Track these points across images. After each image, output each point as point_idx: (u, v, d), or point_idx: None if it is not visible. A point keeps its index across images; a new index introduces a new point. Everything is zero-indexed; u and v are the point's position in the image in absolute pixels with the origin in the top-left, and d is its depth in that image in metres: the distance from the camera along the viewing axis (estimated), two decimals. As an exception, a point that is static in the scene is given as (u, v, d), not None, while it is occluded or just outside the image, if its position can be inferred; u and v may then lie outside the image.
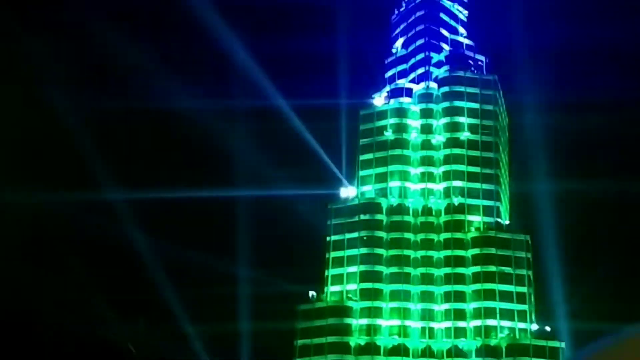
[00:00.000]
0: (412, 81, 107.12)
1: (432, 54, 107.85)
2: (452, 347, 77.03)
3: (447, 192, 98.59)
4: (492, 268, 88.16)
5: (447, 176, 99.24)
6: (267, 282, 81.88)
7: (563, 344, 73.72)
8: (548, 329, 77.46)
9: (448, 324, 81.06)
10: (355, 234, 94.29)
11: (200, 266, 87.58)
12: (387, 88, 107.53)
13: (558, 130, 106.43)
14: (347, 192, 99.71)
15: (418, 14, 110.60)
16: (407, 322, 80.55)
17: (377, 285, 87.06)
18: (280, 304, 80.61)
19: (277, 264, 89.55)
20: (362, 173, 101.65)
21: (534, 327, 78.09)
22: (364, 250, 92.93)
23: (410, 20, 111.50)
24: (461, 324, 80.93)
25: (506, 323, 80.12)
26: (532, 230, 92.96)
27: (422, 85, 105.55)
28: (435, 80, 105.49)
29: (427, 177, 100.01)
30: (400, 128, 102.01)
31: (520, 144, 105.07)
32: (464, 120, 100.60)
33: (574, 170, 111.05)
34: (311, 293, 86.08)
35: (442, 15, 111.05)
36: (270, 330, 78.21)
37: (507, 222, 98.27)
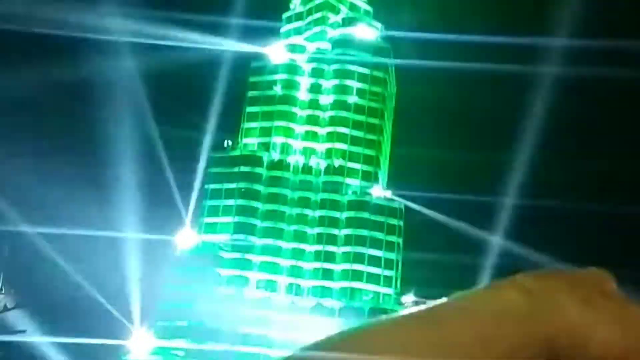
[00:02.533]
0: (307, 39, 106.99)
1: (330, 14, 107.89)
2: (317, 305, 78.08)
3: (329, 154, 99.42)
4: (364, 232, 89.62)
5: (330, 138, 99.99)
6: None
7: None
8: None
9: (315, 282, 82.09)
10: (233, 185, 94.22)
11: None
12: (281, 43, 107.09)
13: (442, 100, 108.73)
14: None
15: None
16: (276, 277, 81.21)
17: (250, 237, 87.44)
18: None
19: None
20: (246, 125, 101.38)
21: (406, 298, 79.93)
22: (240, 202, 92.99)
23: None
24: (328, 283, 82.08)
25: (372, 287, 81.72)
26: (406, 199, 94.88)
27: (316, 44, 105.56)
28: (330, 41, 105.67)
29: (312, 136, 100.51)
30: (290, 85, 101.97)
31: (407, 115, 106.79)
32: (353, 84, 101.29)
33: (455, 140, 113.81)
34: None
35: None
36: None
37: (384, 189, 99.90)
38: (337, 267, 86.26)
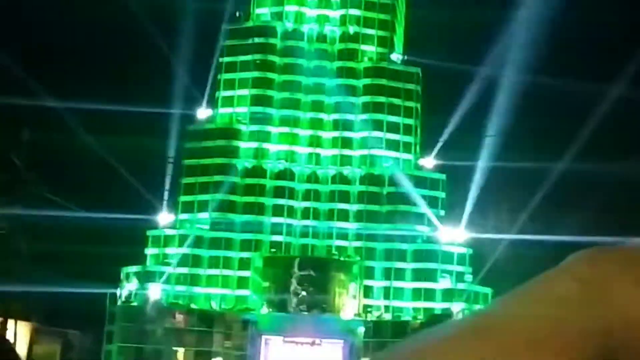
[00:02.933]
0: None
1: None
2: (337, 174, 78.54)
3: (343, 20, 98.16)
4: (382, 99, 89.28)
5: (344, 4, 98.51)
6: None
7: (444, 176, 76.03)
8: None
9: (335, 151, 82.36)
10: (248, 57, 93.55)
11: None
12: None
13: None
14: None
15: None
16: (295, 148, 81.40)
17: (268, 110, 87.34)
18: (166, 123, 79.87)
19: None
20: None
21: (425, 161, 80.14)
22: (256, 74, 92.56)
23: None
24: (347, 152, 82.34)
25: (391, 153, 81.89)
26: (423, 65, 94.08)
27: None
28: None
29: (325, 3, 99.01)
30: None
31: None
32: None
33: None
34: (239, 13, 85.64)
35: None
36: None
37: (401, 54, 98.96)
38: (356, 135, 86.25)
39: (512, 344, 0.61)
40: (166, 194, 68.54)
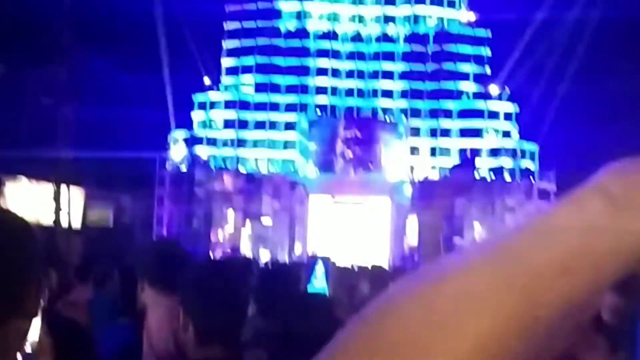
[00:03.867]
0: None
1: None
2: (381, 33, 77.54)
3: None
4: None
5: None
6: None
7: (489, 33, 74.70)
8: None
9: (378, 10, 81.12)
10: None
11: None
12: None
13: None
14: None
15: None
16: (337, 8, 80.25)
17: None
18: None
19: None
20: None
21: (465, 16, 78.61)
22: None
23: None
24: (391, 10, 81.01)
25: (435, 10, 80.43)
26: None
27: None
28: None
29: None
30: None
31: None
32: None
33: None
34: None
35: None
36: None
37: None
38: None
39: (543, 269, 0.60)
40: (211, 58, 68.49)
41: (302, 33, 73.29)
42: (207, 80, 66.27)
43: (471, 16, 77.02)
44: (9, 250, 1.33)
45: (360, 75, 70.22)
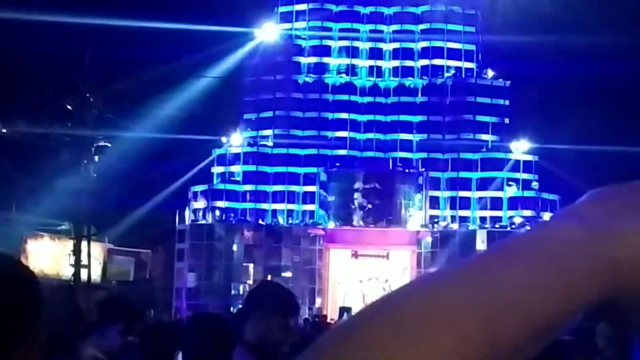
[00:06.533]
0: None
1: None
2: (399, 85, 78.05)
3: None
4: (441, 7, 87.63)
5: None
6: None
7: (508, 83, 75.02)
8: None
9: (395, 63, 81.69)
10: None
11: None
12: None
13: None
14: None
15: None
16: (355, 61, 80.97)
17: (326, 24, 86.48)
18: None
19: None
20: None
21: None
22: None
23: None
24: (408, 63, 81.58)
25: (453, 63, 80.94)
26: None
27: None
28: None
29: None
30: None
31: None
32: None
33: None
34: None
35: None
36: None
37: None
38: (416, 46, 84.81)
39: (513, 287, 0.59)
40: (230, 113, 68.96)
41: (320, 86, 73.81)
42: (226, 136, 66.66)
43: (489, 69, 77.40)
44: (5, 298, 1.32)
45: (379, 127, 70.44)
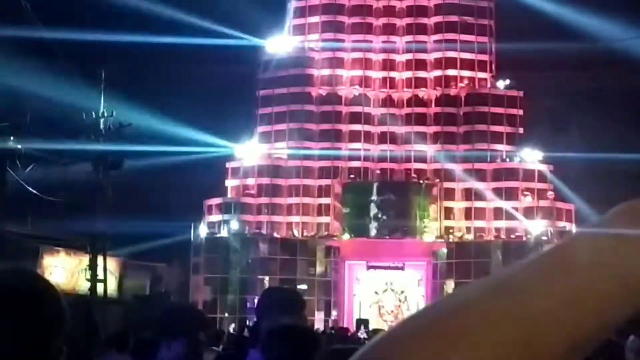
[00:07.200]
0: None
1: None
2: (412, 96, 78.02)
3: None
4: (454, 18, 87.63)
5: None
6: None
7: (522, 93, 74.86)
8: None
9: (409, 74, 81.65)
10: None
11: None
12: None
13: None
14: None
15: None
16: (368, 73, 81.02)
17: (339, 36, 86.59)
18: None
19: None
20: None
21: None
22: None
23: None
24: (422, 73, 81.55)
25: (466, 73, 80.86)
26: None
27: None
28: None
29: None
30: None
31: None
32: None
33: None
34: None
35: None
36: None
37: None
38: (429, 56, 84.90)
39: (553, 306, 0.59)
40: (243, 125, 69.08)
41: (334, 98, 73.87)
42: (240, 149, 66.71)
43: (503, 79, 77.26)
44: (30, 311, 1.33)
45: (393, 138, 70.31)
